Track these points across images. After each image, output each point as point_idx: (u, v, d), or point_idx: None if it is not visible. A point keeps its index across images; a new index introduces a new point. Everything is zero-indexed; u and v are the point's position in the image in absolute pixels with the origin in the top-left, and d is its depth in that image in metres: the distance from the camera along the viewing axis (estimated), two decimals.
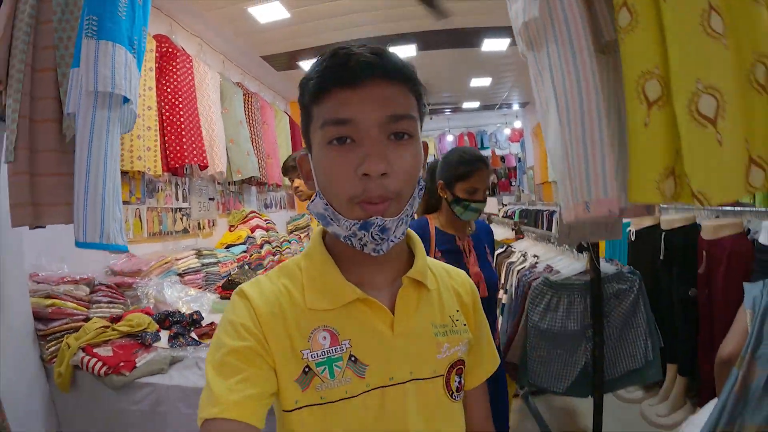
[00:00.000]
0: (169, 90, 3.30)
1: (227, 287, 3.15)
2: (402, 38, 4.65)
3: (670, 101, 0.82)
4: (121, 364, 1.89)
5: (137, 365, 1.91)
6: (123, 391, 1.87)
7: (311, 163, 0.69)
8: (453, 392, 0.72)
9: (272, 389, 0.64)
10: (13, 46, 1.42)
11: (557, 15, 0.97)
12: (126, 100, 1.33)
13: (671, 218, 2.77)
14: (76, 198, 1.29)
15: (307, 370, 0.65)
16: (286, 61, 5.34)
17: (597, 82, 0.94)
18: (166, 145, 3.27)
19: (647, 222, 2.95)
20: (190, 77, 3.60)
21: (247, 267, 3.78)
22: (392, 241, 0.65)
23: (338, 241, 0.70)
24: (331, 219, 0.66)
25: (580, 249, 2.18)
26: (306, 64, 5.64)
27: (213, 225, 4.42)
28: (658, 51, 0.83)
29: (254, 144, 4.93)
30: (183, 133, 3.33)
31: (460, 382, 0.74)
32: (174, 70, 3.35)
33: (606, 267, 2.10)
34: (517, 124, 7.99)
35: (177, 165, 3.30)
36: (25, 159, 1.43)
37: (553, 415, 2.90)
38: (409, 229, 0.75)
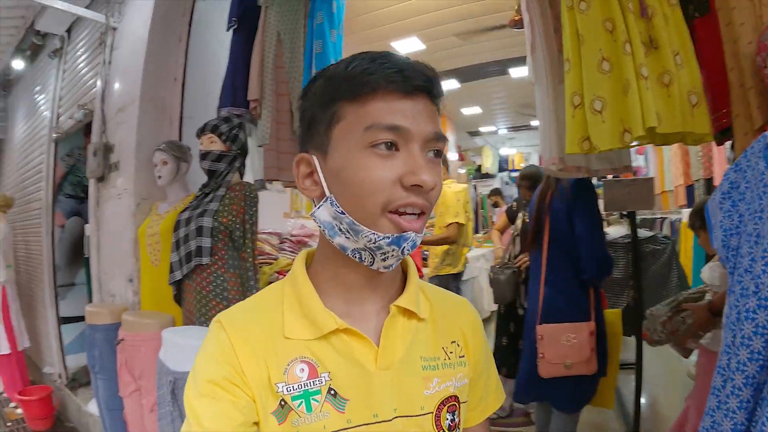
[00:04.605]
0: None
1: None
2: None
3: (583, 105, 1.66)
4: None
5: None
6: None
7: (318, 166, 0.66)
8: (444, 431, 0.69)
9: (254, 418, 0.64)
10: (264, 80, 2.37)
11: (539, 75, 1.91)
12: None
13: None
14: None
15: (283, 403, 0.63)
16: None
17: (552, 100, 1.86)
18: None
19: None
20: None
21: None
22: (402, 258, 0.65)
23: (333, 262, 0.69)
24: (345, 230, 0.63)
25: (622, 216, 2.89)
26: (441, 85, 6.74)
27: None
28: (579, 82, 1.67)
29: None
30: None
31: (453, 420, 0.70)
32: None
33: (642, 232, 2.80)
34: None
35: None
36: (274, 143, 2.37)
37: None
38: None
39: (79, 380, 3.53)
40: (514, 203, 3.90)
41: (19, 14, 3.88)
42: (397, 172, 0.61)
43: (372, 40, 5.08)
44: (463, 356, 0.75)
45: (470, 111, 8.60)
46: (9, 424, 3.55)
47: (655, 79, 1.62)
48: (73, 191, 4.45)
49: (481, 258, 5.91)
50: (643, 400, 3.24)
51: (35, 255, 4.21)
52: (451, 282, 3.76)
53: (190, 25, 2.88)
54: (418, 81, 0.62)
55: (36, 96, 4.47)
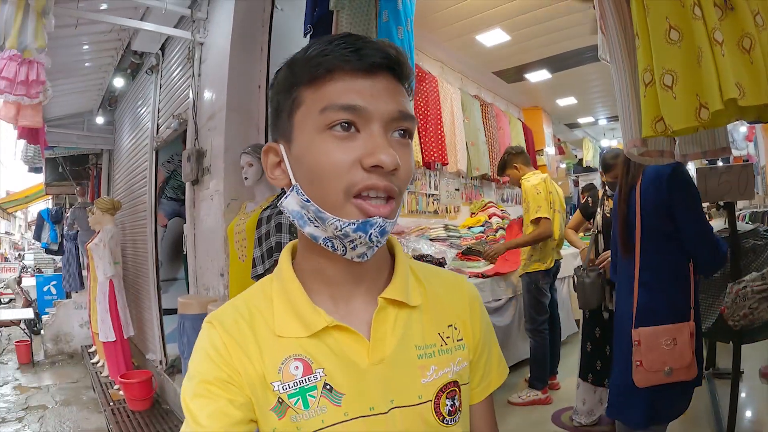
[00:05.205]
0: (420, 105, 4.68)
1: (466, 253, 4.33)
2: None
3: (654, 82, 1.59)
4: None
5: None
6: None
7: (284, 154, 0.67)
8: (444, 417, 0.69)
9: (251, 415, 0.65)
10: None
11: (612, 52, 1.85)
12: None
13: None
14: None
15: (280, 401, 0.65)
16: (514, 74, 6.30)
17: (628, 78, 1.79)
18: (421, 146, 4.65)
19: None
20: (435, 94, 4.93)
21: (485, 243, 4.75)
22: (378, 246, 0.64)
23: (312, 254, 0.69)
24: (312, 218, 0.64)
25: (718, 208, 2.65)
26: (532, 76, 6.52)
27: (457, 210, 5.74)
28: (649, 56, 1.60)
29: (490, 146, 6.07)
30: (429, 137, 4.68)
31: (453, 405, 0.71)
32: (422, 90, 4.75)
33: (742, 225, 2.56)
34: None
35: (428, 161, 4.67)
36: None
37: None
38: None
39: (177, 366, 3.92)
40: (589, 199, 3.70)
41: (115, 37, 4.38)
42: (356, 153, 0.60)
43: (455, 35, 5.09)
44: (461, 339, 0.75)
45: (566, 102, 8.28)
46: (111, 404, 4.01)
47: (734, 45, 1.47)
48: (174, 194, 4.96)
49: (578, 255, 5.72)
50: (748, 414, 3.00)
51: (141, 252, 4.73)
52: (542, 280, 3.63)
53: (269, 35, 3.10)
54: (375, 58, 0.61)
55: (139, 109, 5.03)
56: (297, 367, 0.65)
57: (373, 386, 0.66)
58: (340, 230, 0.61)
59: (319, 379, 0.65)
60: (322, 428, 0.64)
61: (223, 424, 0.62)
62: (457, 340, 0.74)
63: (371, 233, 0.61)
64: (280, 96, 0.67)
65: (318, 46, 0.62)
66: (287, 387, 0.65)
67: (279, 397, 0.65)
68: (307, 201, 0.63)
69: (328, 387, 0.65)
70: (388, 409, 0.66)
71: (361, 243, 0.62)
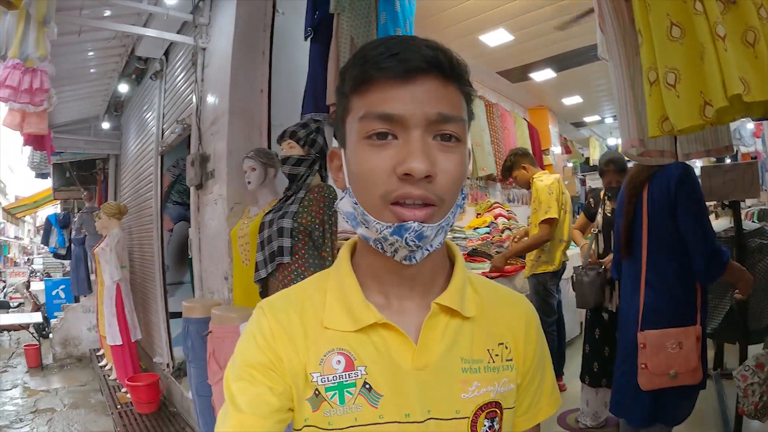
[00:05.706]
0: None
1: (472, 255, 4.31)
2: None
3: (658, 80, 1.56)
4: None
5: None
6: None
7: (343, 158, 0.68)
8: None
9: (290, 404, 0.66)
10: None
11: (610, 51, 1.82)
12: None
13: None
14: None
15: (317, 392, 0.65)
16: (518, 74, 6.26)
17: (625, 78, 1.77)
18: None
19: None
20: None
21: (490, 243, 4.73)
22: (428, 249, 0.64)
23: (368, 253, 0.70)
24: (361, 220, 0.65)
25: (724, 207, 2.63)
26: (536, 75, 6.48)
27: (463, 211, 5.64)
28: (652, 55, 1.56)
29: (495, 146, 6.02)
30: None
31: (491, 427, 0.68)
32: None
33: (748, 224, 2.53)
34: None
35: None
36: None
37: None
38: (449, 241, 0.74)
39: (183, 369, 3.91)
40: (591, 200, 3.68)
41: (119, 43, 4.41)
42: (391, 161, 0.60)
43: (458, 36, 5.05)
44: (511, 360, 0.72)
45: (571, 100, 8.23)
46: (119, 407, 4.05)
47: (738, 39, 1.43)
48: (179, 198, 4.98)
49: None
50: None
51: (148, 257, 4.76)
52: (549, 281, 3.61)
53: (271, 39, 3.10)
54: (415, 62, 0.59)
55: (144, 114, 5.05)
56: (339, 361, 0.66)
57: (412, 391, 0.65)
58: (380, 233, 0.62)
59: (359, 376, 0.65)
60: (353, 426, 0.64)
61: (261, 411, 0.63)
62: (506, 360, 0.72)
63: (407, 237, 0.60)
64: (337, 102, 0.69)
65: (361, 51, 0.63)
66: (326, 380, 0.65)
67: (316, 389, 0.65)
68: (356, 204, 0.65)
69: (367, 386, 0.65)
70: (424, 418, 0.65)
71: (400, 246, 0.62)
